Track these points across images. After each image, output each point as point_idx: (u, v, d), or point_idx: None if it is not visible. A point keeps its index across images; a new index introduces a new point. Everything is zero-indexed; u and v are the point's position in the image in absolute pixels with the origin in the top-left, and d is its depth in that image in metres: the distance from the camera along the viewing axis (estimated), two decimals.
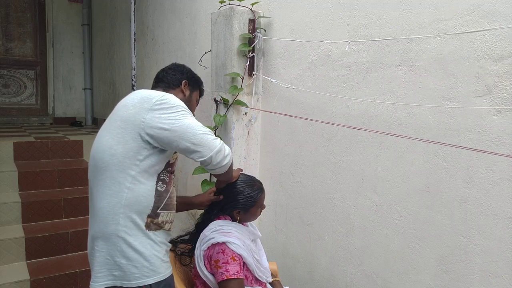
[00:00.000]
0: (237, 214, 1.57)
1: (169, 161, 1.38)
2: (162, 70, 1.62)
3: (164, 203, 1.36)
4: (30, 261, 2.69)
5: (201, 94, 1.71)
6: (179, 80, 1.56)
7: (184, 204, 1.70)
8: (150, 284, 1.31)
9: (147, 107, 1.28)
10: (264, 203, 1.65)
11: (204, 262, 1.48)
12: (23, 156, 3.36)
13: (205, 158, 1.30)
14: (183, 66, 1.65)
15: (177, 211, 1.70)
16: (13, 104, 5.54)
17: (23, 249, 2.67)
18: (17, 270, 2.55)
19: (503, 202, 1.30)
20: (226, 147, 1.37)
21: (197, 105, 1.69)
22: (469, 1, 1.36)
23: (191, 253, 1.68)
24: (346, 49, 1.76)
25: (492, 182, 1.33)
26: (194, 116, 1.62)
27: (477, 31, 1.34)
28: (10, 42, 5.42)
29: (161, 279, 1.34)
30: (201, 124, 1.33)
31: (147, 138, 1.28)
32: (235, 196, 1.55)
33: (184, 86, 1.57)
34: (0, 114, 5.40)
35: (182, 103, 1.35)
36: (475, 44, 1.35)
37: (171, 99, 1.32)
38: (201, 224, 1.62)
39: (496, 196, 1.32)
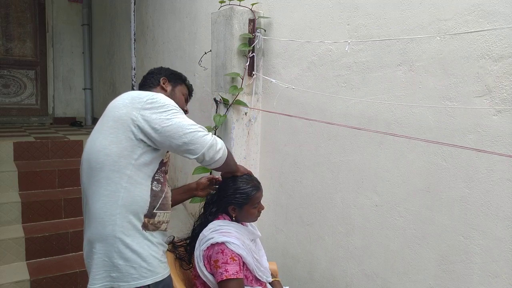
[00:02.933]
0: (232, 211, 1.57)
1: (162, 160, 1.39)
2: (143, 77, 1.65)
3: (159, 203, 1.36)
4: (30, 261, 2.68)
5: (189, 89, 1.70)
6: (157, 79, 1.59)
7: (183, 193, 1.72)
8: (148, 285, 1.31)
9: (138, 107, 1.29)
10: (263, 204, 1.64)
11: (203, 262, 1.48)
12: (23, 156, 3.36)
13: (197, 155, 1.31)
14: (160, 67, 1.67)
15: (178, 202, 1.72)
16: (13, 104, 5.53)
17: (23, 249, 2.67)
18: (17, 270, 2.55)
19: (503, 202, 1.30)
20: (219, 141, 1.36)
21: (187, 100, 1.68)
22: (469, 1, 1.36)
23: (189, 258, 1.67)
24: (346, 49, 1.76)
25: (492, 182, 1.33)
26: (187, 111, 1.62)
27: (477, 31, 1.34)
28: (10, 42, 5.41)
29: (159, 279, 1.34)
30: (192, 122, 1.33)
31: (141, 136, 1.28)
32: (229, 191, 1.56)
33: (163, 83, 1.58)
34: (0, 114, 5.40)
35: (172, 102, 1.35)
36: (475, 44, 1.35)
37: (161, 98, 1.32)
38: (199, 227, 1.62)
39: (496, 196, 1.32)
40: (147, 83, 1.59)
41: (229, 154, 1.44)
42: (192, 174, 2.27)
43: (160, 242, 1.38)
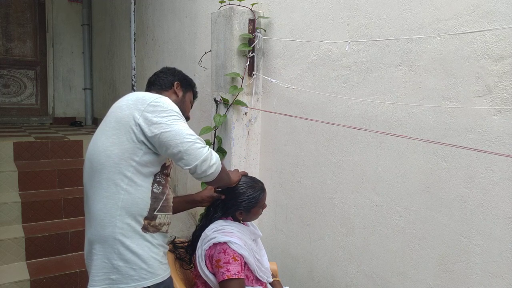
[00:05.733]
0: (240, 215, 1.57)
1: (165, 163, 1.38)
2: (154, 74, 1.63)
3: (160, 205, 1.36)
4: (30, 261, 2.68)
5: (194, 96, 1.70)
6: (171, 82, 1.57)
7: (186, 203, 1.70)
8: (149, 286, 1.31)
9: (141, 109, 1.28)
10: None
11: (205, 261, 1.48)
12: (23, 156, 3.35)
13: (190, 167, 1.28)
14: (174, 68, 1.65)
15: (179, 210, 1.69)
16: (13, 104, 5.53)
17: (23, 249, 2.66)
18: (17, 270, 2.55)
19: (503, 202, 1.30)
20: (214, 156, 1.33)
21: (191, 107, 1.69)
22: (469, 1, 1.36)
23: (190, 258, 1.67)
24: (346, 49, 1.76)
25: (492, 182, 1.33)
26: (189, 118, 1.61)
27: (477, 31, 1.34)
28: (10, 42, 5.41)
29: (159, 281, 1.33)
30: (191, 132, 1.31)
31: (142, 138, 1.28)
32: (238, 198, 1.55)
33: (176, 88, 1.57)
34: (0, 114, 5.40)
35: (175, 107, 1.33)
36: (475, 44, 1.35)
37: (165, 102, 1.31)
38: (200, 229, 1.61)
39: (496, 196, 1.32)
40: (160, 82, 1.57)
41: (223, 171, 1.40)
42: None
43: (160, 243, 1.38)
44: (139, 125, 1.27)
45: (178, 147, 1.26)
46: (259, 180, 1.65)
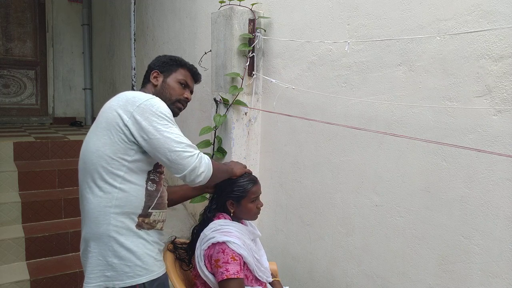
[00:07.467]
0: (231, 206, 1.57)
1: (157, 161, 1.39)
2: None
3: (155, 202, 1.37)
4: (30, 261, 2.68)
5: (191, 71, 1.55)
6: (148, 73, 1.52)
7: (195, 189, 1.65)
8: (144, 283, 1.31)
9: (131, 110, 1.27)
10: (262, 201, 1.64)
11: (204, 261, 1.48)
12: (23, 156, 3.35)
13: (179, 176, 1.30)
14: (157, 57, 1.56)
15: (191, 197, 1.71)
16: (13, 104, 5.53)
17: (23, 249, 2.66)
18: (17, 270, 2.55)
19: (503, 202, 1.30)
20: (203, 164, 1.32)
21: (187, 85, 1.54)
22: (469, 1, 1.36)
23: (190, 258, 1.67)
24: (346, 49, 1.76)
25: (492, 182, 1.33)
26: (181, 100, 1.50)
27: (477, 31, 1.34)
28: (10, 42, 5.41)
29: (154, 278, 1.34)
30: (180, 139, 1.29)
31: (133, 138, 1.28)
32: (228, 186, 1.57)
33: (153, 78, 1.50)
34: (0, 114, 5.40)
35: (165, 110, 1.30)
36: (475, 44, 1.35)
37: (154, 105, 1.29)
38: (199, 226, 1.62)
39: (496, 196, 1.32)
40: (144, 80, 1.55)
41: (216, 171, 1.39)
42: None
43: (155, 240, 1.38)
44: (128, 127, 1.27)
45: (167, 155, 1.27)
46: (253, 175, 1.65)
